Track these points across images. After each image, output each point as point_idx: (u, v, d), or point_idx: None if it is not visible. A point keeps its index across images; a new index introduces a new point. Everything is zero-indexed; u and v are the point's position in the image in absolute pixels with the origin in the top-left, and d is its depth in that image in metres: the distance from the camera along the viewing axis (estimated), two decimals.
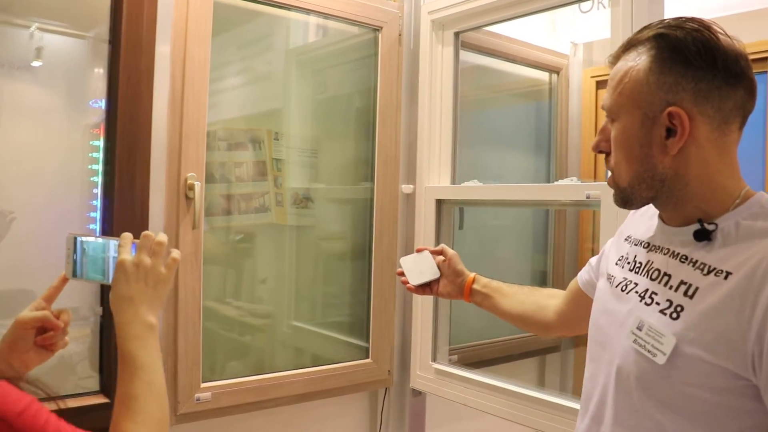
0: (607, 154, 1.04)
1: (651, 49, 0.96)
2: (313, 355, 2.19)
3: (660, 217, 1.07)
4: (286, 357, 2.16)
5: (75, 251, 1.10)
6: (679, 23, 0.96)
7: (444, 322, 2.13)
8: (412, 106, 2.20)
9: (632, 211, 1.18)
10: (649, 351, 0.94)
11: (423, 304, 2.12)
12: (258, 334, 2.09)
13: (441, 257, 1.58)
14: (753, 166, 2.24)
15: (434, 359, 2.10)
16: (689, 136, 0.94)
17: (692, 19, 0.96)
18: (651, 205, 1.06)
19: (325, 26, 2.22)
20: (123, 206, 1.63)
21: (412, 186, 2.20)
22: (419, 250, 1.60)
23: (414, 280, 1.58)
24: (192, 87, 1.75)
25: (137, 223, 1.64)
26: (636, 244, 1.10)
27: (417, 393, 2.20)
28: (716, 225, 0.95)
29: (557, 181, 1.92)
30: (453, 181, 2.13)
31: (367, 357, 2.16)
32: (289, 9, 2.02)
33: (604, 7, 2.42)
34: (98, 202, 1.66)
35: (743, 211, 0.95)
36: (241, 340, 2.06)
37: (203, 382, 1.80)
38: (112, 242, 1.09)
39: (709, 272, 0.93)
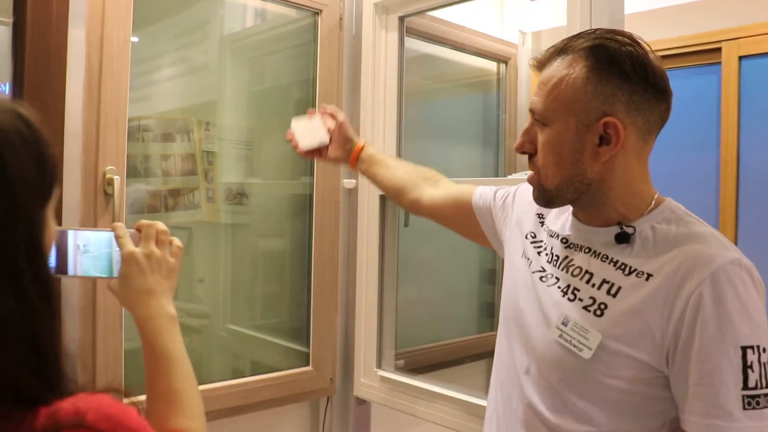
0: (531, 155, 1.08)
1: (588, 58, 1.00)
2: (251, 362, 2.05)
3: (575, 215, 1.12)
4: (221, 364, 2.01)
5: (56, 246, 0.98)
6: (612, 36, 1.02)
7: (390, 326, 2.00)
8: (354, 95, 2.06)
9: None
10: (575, 346, 1.01)
11: (367, 306, 1.99)
12: (193, 336, 1.93)
13: (332, 122, 1.61)
14: (706, 157, 2.22)
15: (379, 366, 1.97)
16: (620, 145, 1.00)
17: (622, 33, 1.03)
18: None
19: (261, 10, 2.07)
20: None
21: (354, 181, 2.06)
22: (310, 113, 1.62)
23: (304, 143, 1.60)
24: (111, 72, 1.57)
25: None
26: (552, 236, 1.16)
27: (361, 402, 2.07)
28: (634, 228, 1.03)
29: (507, 174, 1.83)
30: None
31: (307, 364, 2.02)
32: None
33: None
34: None
35: (657, 216, 1.03)
36: None
37: (125, 398, 1.63)
38: (110, 234, 1.01)
39: (630, 273, 1.00)
